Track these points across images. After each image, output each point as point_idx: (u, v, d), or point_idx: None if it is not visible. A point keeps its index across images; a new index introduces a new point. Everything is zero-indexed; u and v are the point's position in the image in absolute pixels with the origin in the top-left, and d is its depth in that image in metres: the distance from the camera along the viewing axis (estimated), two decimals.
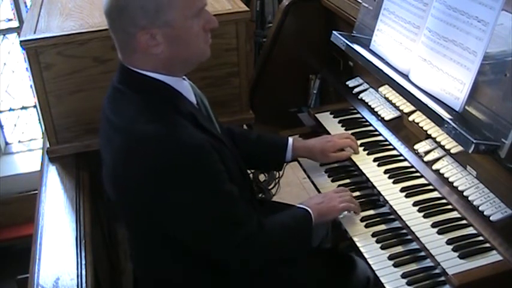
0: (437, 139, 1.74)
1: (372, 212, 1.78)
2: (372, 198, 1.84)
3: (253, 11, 3.71)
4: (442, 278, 1.49)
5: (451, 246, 1.51)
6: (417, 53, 1.82)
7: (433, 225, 1.59)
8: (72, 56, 2.11)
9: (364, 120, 2.15)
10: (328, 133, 2.11)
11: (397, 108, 1.98)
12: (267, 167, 2.17)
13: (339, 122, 2.18)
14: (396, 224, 1.71)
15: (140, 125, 1.43)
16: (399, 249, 1.63)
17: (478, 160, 1.61)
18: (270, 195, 2.48)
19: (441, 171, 1.70)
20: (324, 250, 2.06)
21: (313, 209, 1.68)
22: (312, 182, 2.01)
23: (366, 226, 1.72)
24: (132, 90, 1.50)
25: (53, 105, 2.16)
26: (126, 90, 1.51)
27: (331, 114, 2.24)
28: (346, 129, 2.11)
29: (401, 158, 1.89)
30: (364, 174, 1.87)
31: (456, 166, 1.69)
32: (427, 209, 1.66)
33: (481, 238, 1.53)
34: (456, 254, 1.49)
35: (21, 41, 2.06)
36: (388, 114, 2.02)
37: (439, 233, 1.57)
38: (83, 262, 1.68)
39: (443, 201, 1.68)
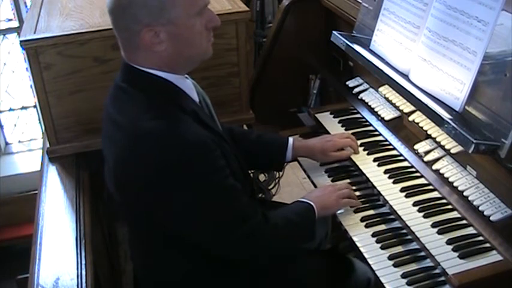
0: (437, 139, 1.74)
1: (372, 212, 1.78)
2: (372, 198, 1.84)
3: (253, 11, 3.71)
4: (442, 278, 1.50)
5: (451, 246, 1.51)
6: (417, 53, 1.82)
7: (433, 225, 1.59)
8: (72, 56, 2.11)
9: (364, 120, 2.15)
10: (328, 133, 2.12)
11: (397, 108, 1.98)
12: (267, 167, 2.17)
13: (339, 122, 2.18)
14: (396, 224, 1.71)
15: (144, 122, 1.44)
16: (399, 249, 1.63)
17: (478, 160, 1.61)
18: (270, 195, 2.48)
19: (441, 171, 1.70)
20: (324, 251, 2.06)
21: (315, 202, 1.70)
22: (312, 182, 2.01)
23: (366, 226, 1.72)
24: (135, 88, 1.51)
25: (53, 105, 2.16)
26: (129, 88, 1.52)
27: (331, 114, 2.24)
28: (346, 129, 2.12)
29: (401, 158, 1.89)
30: (364, 174, 1.87)
31: (456, 166, 1.69)
32: (427, 209, 1.66)
33: (481, 238, 1.53)
34: (456, 254, 1.49)
35: (21, 41, 2.07)
36: (388, 114, 2.02)
37: (439, 233, 1.57)
38: (83, 262, 1.68)
39: (443, 201, 1.68)
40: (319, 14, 2.53)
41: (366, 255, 1.61)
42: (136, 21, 1.43)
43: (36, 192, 2.08)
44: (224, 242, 1.54)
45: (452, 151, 1.67)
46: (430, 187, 1.74)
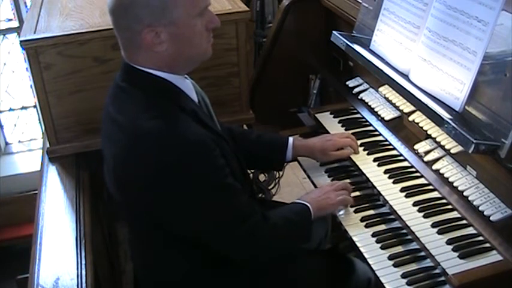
0: (437, 139, 1.74)
1: (372, 212, 1.78)
2: (372, 198, 1.84)
3: (253, 11, 3.71)
4: (442, 278, 1.50)
5: (451, 246, 1.51)
6: (417, 53, 1.82)
7: (433, 225, 1.59)
8: (72, 56, 2.11)
9: (364, 120, 2.15)
10: (328, 133, 2.11)
11: (397, 108, 1.98)
12: (267, 167, 2.17)
13: (339, 122, 2.18)
14: (396, 224, 1.71)
15: (143, 122, 1.44)
16: (399, 249, 1.63)
17: (478, 160, 1.61)
18: (270, 195, 2.48)
19: (441, 171, 1.70)
20: (325, 251, 2.06)
21: (312, 203, 1.71)
22: (312, 182, 2.01)
23: (366, 226, 1.72)
24: (135, 87, 1.51)
25: (53, 105, 2.16)
26: (129, 88, 1.52)
27: (331, 114, 2.24)
28: (346, 129, 2.12)
29: (401, 158, 1.89)
30: (364, 174, 1.87)
31: (456, 166, 1.69)
32: (427, 209, 1.66)
33: (481, 238, 1.53)
34: (456, 254, 1.49)
35: (21, 41, 2.07)
36: (388, 114, 2.02)
37: (439, 233, 1.57)
38: (83, 262, 1.68)
39: (443, 201, 1.68)
40: (319, 14, 2.53)
41: (366, 255, 1.61)
42: (138, 22, 1.43)
43: (36, 192, 2.08)
44: (224, 240, 1.54)
45: (452, 151, 1.67)
46: (430, 187, 1.74)
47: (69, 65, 2.12)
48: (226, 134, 1.82)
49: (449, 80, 1.66)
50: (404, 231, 1.67)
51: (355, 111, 2.22)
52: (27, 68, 4.85)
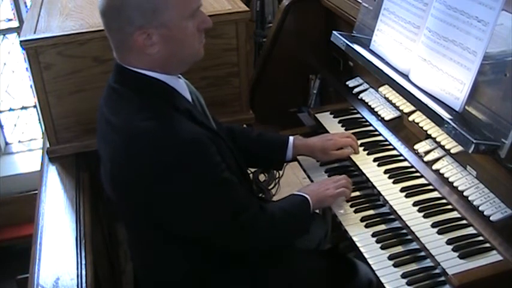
0: (437, 139, 1.74)
1: (372, 212, 1.78)
2: (372, 198, 1.83)
3: (253, 11, 3.71)
4: (442, 278, 1.49)
5: (451, 246, 1.51)
6: (417, 53, 1.82)
7: (433, 225, 1.59)
8: (72, 56, 2.11)
9: (364, 120, 2.15)
10: (328, 133, 2.11)
11: (397, 108, 1.98)
12: (268, 166, 2.17)
13: (339, 122, 2.18)
14: (396, 224, 1.71)
15: (138, 123, 1.44)
16: (399, 249, 1.63)
17: (478, 160, 1.61)
18: (270, 195, 2.48)
19: (441, 171, 1.70)
20: (326, 251, 2.06)
21: (310, 195, 1.72)
22: (312, 182, 2.01)
23: (366, 226, 1.72)
24: (128, 89, 1.51)
25: (53, 105, 2.16)
26: (122, 89, 1.52)
27: (331, 114, 2.24)
28: (346, 129, 2.11)
29: (401, 158, 1.89)
30: (364, 174, 1.87)
31: (456, 166, 1.69)
32: (427, 209, 1.66)
33: (481, 238, 1.53)
34: (456, 254, 1.49)
35: (21, 41, 2.07)
36: (388, 114, 2.02)
37: (439, 233, 1.57)
38: (83, 262, 1.68)
39: (443, 201, 1.68)
40: (319, 14, 2.53)
41: (366, 255, 1.61)
42: (129, 23, 1.43)
43: (36, 192, 2.08)
44: (223, 233, 1.55)
45: (452, 151, 1.67)
46: (430, 187, 1.74)
47: (69, 65, 2.12)
48: (226, 133, 1.82)
49: (449, 80, 1.66)
50: (404, 231, 1.67)
51: (355, 111, 2.22)
52: (27, 68, 4.85)
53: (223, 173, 1.50)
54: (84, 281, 1.61)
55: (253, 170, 2.37)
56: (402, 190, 1.75)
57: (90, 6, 2.36)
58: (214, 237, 1.56)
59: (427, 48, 1.77)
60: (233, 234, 1.56)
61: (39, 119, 5.05)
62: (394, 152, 1.93)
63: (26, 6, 4.85)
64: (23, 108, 5.26)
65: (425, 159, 1.78)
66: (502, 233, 1.49)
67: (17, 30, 4.94)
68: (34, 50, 2.07)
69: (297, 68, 2.66)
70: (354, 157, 1.95)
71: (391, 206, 1.71)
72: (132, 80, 1.51)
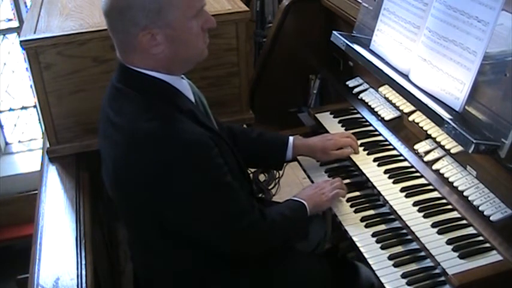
0: (437, 139, 1.74)
1: (372, 212, 1.78)
2: (372, 198, 1.84)
3: (253, 11, 3.70)
4: (442, 278, 1.50)
5: (451, 246, 1.52)
6: (417, 53, 1.82)
7: (433, 225, 1.59)
8: (72, 56, 2.11)
9: (364, 120, 2.15)
10: (328, 133, 2.11)
11: (397, 108, 1.98)
12: (268, 165, 2.17)
13: (339, 122, 2.18)
14: (396, 224, 1.71)
15: (141, 123, 1.44)
16: (399, 249, 1.63)
17: (478, 160, 1.61)
18: (270, 195, 2.47)
19: (441, 171, 1.70)
20: (327, 254, 2.06)
21: (307, 200, 1.74)
22: (312, 182, 2.00)
23: (366, 226, 1.72)
24: (132, 89, 1.51)
25: (53, 105, 2.16)
26: (126, 89, 1.52)
27: (331, 114, 2.24)
28: (346, 129, 2.12)
29: (401, 158, 1.89)
30: (364, 174, 1.87)
31: (456, 166, 1.69)
32: (427, 209, 1.66)
33: (481, 238, 1.53)
34: (456, 254, 1.49)
35: (21, 41, 2.06)
36: (388, 114, 2.02)
37: (439, 233, 1.57)
38: (83, 262, 1.68)
39: (443, 201, 1.68)
40: (319, 14, 2.53)
41: (366, 255, 1.61)
42: (134, 24, 1.42)
43: (36, 192, 2.08)
44: (223, 237, 1.55)
45: (452, 151, 1.67)
46: (430, 187, 1.74)
47: (69, 65, 2.12)
48: (226, 133, 1.82)
49: (449, 80, 1.66)
50: (404, 231, 1.67)
51: (355, 111, 2.22)
52: (27, 68, 4.84)
53: (225, 176, 1.50)
54: (84, 281, 1.61)
55: (253, 170, 2.37)
56: (402, 190, 1.75)
57: (90, 6, 2.36)
58: (214, 240, 1.56)
59: (427, 48, 1.77)
60: (233, 238, 1.56)
61: (39, 119, 5.04)
62: (394, 152, 1.93)
63: (26, 6, 4.85)
64: (23, 108, 5.25)
65: (425, 159, 1.78)
66: (502, 233, 1.50)
67: (17, 30, 4.93)
68: (34, 50, 2.07)
69: (297, 68, 2.66)
70: (354, 157, 1.95)
71: (391, 206, 1.71)
72: (136, 80, 1.51)
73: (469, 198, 1.59)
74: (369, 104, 2.13)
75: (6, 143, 5.29)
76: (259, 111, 2.49)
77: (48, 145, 2.22)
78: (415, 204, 1.69)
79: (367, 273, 1.76)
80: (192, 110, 1.54)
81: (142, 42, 1.44)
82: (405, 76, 1.86)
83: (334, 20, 2.44)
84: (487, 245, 1.51)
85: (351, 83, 2.28)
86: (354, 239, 1.68)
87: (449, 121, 1.55)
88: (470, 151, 1.47)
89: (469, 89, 1.60)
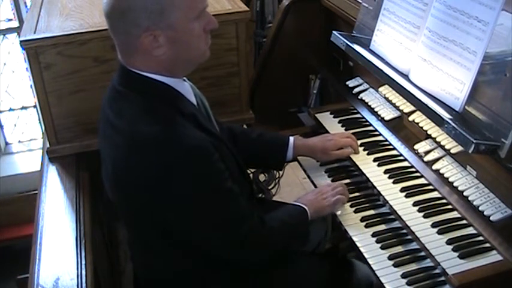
0: (437, 139, 1.74)
1: (372, 212, 1.78)
2: (372, 198, 1.84)
3: (253, 11, 3.70)
4: (442, 278, 1.50)
5: (451, 246, 1.52)
6: (417, 53, 1.82)
7: (433, 225, 1.59)
8: (72, 56, 2.11)
9: (364, 120, 2.15)
10: (328, 133, 2.11)
11: (397, 108, 1.98)
12: (268, 166, 2.17)
13: (339, 122, 2.18)
14: (396, 224, 1.71)
15: (142, 127, 1.44)
16: (399, 249, 1.63)
17: (478, 160, 1.61)
18: (270, 195, 2.47)
19: (441, 171, 1.70)
20: (326, 253, 2.06)
21: (308, 205, 1.72)
22: (312, 182, 2.01)
23: (366, 226, 1.72)
24: (133, 91, 1.50)
25: (53, 105, 2.16)
26: (127, 91, 1.51)
27: (331, 114, 2.24)
28: (346, 129, 2.12)
29: (401, 158, 1.89)
30: (364, 174, 1.87)
31: (456, 166, 1.69)
32: (427, 209, 1.66)
33: (481, 238, 1.53)
34: (456, 254, 1.49)
35: (21, 41, 2.06)
36: (388, 114, 2.02)
37: (439, 233, 1.57)
38: (83, 262, 1.68)
39: (443, 201, 1.68)
40: (319, 14, 2.53)
41: (366, 255, 1.61)
42: (135, 25, 1.42)
43: (36, 192, 2.08)
44: (222, 243, 1.55)
45: (452, 151, 1.67)
46: (430, 187, 1.74)
47: (69, 65, 2.12)
48: (227, 134, 1.82)
49: (449, 80, 1.66)
50: (404, 231, 1.67)
51: (355, 111, 2.22)
52: (27, 68, 4.84)
53: (225, 182, 1.50)
54: (84, 281, 1.61)
55: (253, 170, 2.37)
56: (402, 190, 1.75)
57: (90, 6, 2.36)
58: (213, 246, 1.56)
59: (427, 48, 1.77)
60: (231, 244, 1.55)
61: (39, 119, 5.04)
62: (394, 152, 1.93)
63: (26, 6, 4.85)
64: (23, 108, 5.25)
65: (425, 159, 1.78)
66: (502, 233, 1.50)
67: (17, 30, 4.93)
68: (34, 50, 2.07)
69: (297, 68, 2.66)
70: (354, 157, 1.95)
71: (391, 206, 1.71)
72: (137, 82, 1.50)
73: (469, 198, 1.59)
74: (369, 104, 2.13)
75: (6, 143, 5.29)
76: (259, 111, 2.49)
77: (48, 145, 2.22)
78: (415, 204, 1.69)
79: (366, 272, 1.75)
80: (194, 114, 1.53)
81: (144, 43, 1.44)
82: (405, 76, 1.86)
83: (334, 20, 2.44)
84: (487, 245, 1.51)
85: (351, 83, 2.28)
86: (354, 239, 1.68)
87: (449, 121, 1.55)
88: (470, 151, 1.47)
89: (469, 89, 1.60)
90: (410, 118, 1.87)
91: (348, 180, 1.94)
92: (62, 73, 2.12)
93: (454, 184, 1.64)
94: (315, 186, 1.98)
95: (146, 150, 1.42)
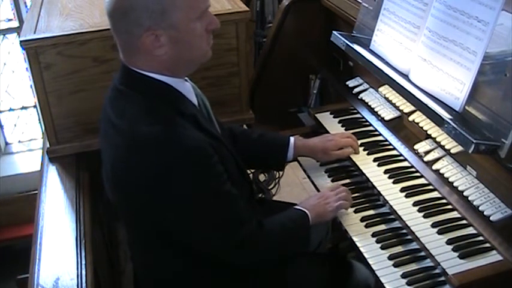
0: (437, 139, 1.74)
1: (372, 212, 1.78)
2: (371, 198, 1.84)
3: (253, 11, 3.71)
4: (442, 278, 1.50)
5: (451, 246, 1.52)
6: (417, 53, 1.82)
7: (433, 225, 1.59)
8: (72, 56, 2.11)
9: (364, 120, 2.15)
10: (329, 133, 2.11)
11: (397, 108, 1.98)
12: (269, 166, 2.17)
13: (339, 122, 2.18)
14: (396, 224, 1.71)
15: (142, 127, 1.44)
16: (399, 249, 1.63)
17: (478, 160, 1.61)
18: (270, 195, 2.47)
19: (441, 171, 1.70)
20: (325, 254, 2.06)
21: (310, 210, 1.70)
22: (312, 182, 2.01)
23: (366, 226, 1.72)
24: (134, 91, 1.50)
25: (53, 105, 2.16)
26: (128, 91, 1.51)
27: (331, 114, 2.24)
28: (346, 129, 2.12)
29: (401, 158, 1.89)
30: (364, 174, 1.87)
31: (456, 166, 1.69)
32: (427, 209, 1.66)
33: (481, 238, 1.53)
34: (456, 254, 1.49)
35: (21, 41, 2.06)
36: (388, 114, 2.02)
37: (439, 233, 1.57)
38: (83, 262, 1.68)
39: (443, 201, 1.68)
40: (319, 14, 2.53)
41: (365, 255, 1.61)
42: (137, 25, 1.42)
43: (36, 192, 2.08)
44: (220, 246, 1.54)
45: (452, 151, 1.67)
46: (430, 187, 1.74)
47: (69, 65, 2.12)
48: (227, 134, 1.82)
49: (449, 80, 1.66)
50: (404, 231, 1.67)
51: (355, 111, 2.22)
52: (27, 68, 4.85)
53: (223, 184, 1.50)
54: (84, 281, 1.61)
55: (253, 170, 2.37)
56: (402, 190, 1.75)
57: (90, 6, 2.36)
58: (212, 249, 1.55)
59: (427, 48, 1.77)
60: (230, 247, 1.55)
61: (39, 119, 5.04)
62: (394, 152, 1.93)
63: (26, 6, 4.85)
64: (23, 108, 5.26)
65: (425, 159, 1.78)
66: (502, 233, 1.50)
67: (17, 30, 4.93)
68: (34, 50, 2.07)
69: (297, 68, 2.66)
70: (354, 157, 1.95)
71: (391, 206, 1.71)
72: (138, 82, 1.50)
73: (469, 198, 1.59)
74: (369, 104, 2.13)
75: (6, 143, 5.30)
76: (259, 111, 2.49)
77: (48, 145, 2.22)
78: (415, 204, 1.69)
79: (365, 273, 1.75)
80: (195, 115, 1.53)
81: (146, 43, 1.44)
82: (405, 76, 1.86)
83: (334, 20, 2.44)
84: (487, 245, 1.51)
85: (351, 83, 2.28)
86: (354, 239, 1.68)
87: (449, 121, 1.55)
88: (470, 151, 1.47)
89: (469, 89, 1.60)
90: (410, 118, 1.87)
91: (348, 180, 1.94)
92: (62, 73, 2.12)
93: (454, 184, 1.64)
94: (315, 186, 1.98)
95: (146, 149, 1.42)
